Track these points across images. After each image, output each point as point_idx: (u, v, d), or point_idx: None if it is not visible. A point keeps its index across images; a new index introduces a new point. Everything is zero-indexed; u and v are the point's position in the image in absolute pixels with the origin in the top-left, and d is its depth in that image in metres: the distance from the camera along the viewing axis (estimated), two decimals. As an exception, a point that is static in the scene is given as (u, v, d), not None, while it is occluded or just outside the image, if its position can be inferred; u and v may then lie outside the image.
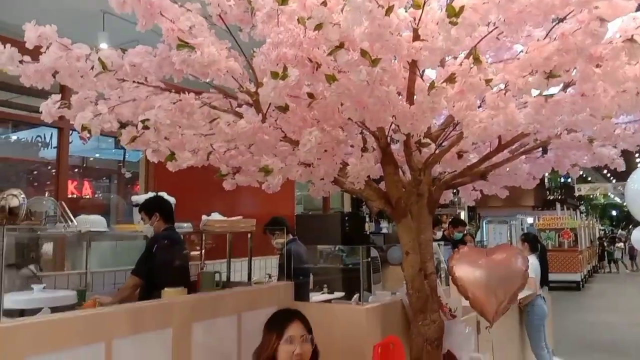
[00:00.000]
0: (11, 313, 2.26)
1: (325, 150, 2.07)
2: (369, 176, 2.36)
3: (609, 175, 27.51)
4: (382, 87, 1.67)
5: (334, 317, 2.93)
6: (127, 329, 2.11)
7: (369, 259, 4.83)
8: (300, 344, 2.17)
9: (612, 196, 29.39)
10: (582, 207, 27.35)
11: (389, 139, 2.31)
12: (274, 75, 1.63)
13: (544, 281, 5.75)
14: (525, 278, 2.79)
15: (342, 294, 4.68)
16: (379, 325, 2.92)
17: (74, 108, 1.98)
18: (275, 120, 2.04)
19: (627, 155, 2.78)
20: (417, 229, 2.57)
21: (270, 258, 5.70)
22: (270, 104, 1.92)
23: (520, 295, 5.28)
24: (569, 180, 26.59)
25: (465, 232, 7.39)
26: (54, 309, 2.50)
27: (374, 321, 2.90)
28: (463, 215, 17.72)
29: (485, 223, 16.82)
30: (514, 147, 2.66)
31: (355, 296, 3.42)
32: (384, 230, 7.70)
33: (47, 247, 4.24)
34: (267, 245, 5.24)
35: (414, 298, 2.56)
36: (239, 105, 2.18)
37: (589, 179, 28.09)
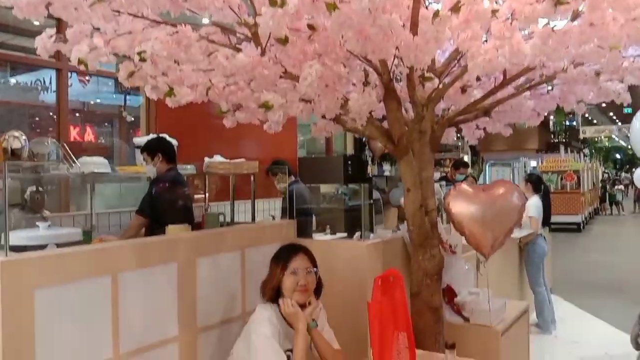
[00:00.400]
0: (17, 249, 2.30)
1: (327, 85, 2.04)
2: (371, 113, 2.33)
3: (614, 117, 27.23)
4: (385, 16, 1.61)
5: (336, 253, 2.98)
6: (133, 263, 2.15)
7: (371, 201, 4.87)
8: (304, 275, 2.23)
9: (616, 139, 29.22)
10: (586, 150, 27.30)
11: (391, 74, 2.27)
12: (272, 3, 1.58)
13: (546, 222, 5.80)
14: (521, 213, 2.81)
15: (344, 234, 4.75)
16: (380, 261, 2.97)
17: (70, 42, 1.93)
18: (275, 55, 2.00)
19: (634, 95, 2.72)
20: (418, 167, 2.57)
21: (274, 200, 5.76)
22: (269, 37, 1.87)
23: (521, 234, 5.36)
24: (574, 123, 26.39)
25: (467, 174, 7.38)
26: (60, 246, 2.54)
27: (375, 257, 2.95)
28: (466, 158, 17.70)
29: (489, 166, 16.84)
30: (519, 82, 2.61)
31: (357, 234, 3.47)
32: (386, 173, 7.71)
33: (52, 189, 4.28)
34: (270, 188, 5.28)
35: (414, 234, 2.59)
36: (238, 42, 2.13)
37: (594, 121, 27.85)
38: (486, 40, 1.95)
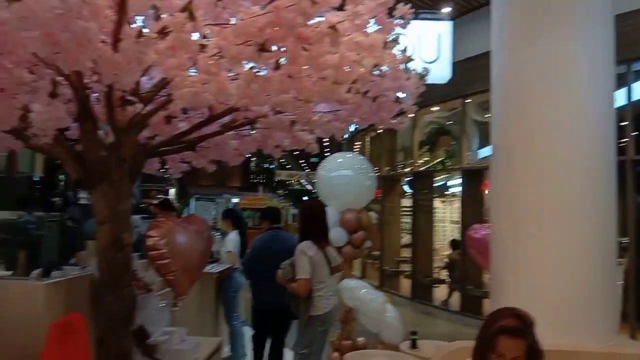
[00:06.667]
0: None
1: (2, 90, 1.67)
2: (63, 132, 2.03)
3: (304, 165, 31.26)
4: (80, 22, 1.41)
5: (6, 294, 2.47)
6: None
7: (61, 230, 4.26)
8: None
9: (305, 184, 33.36)
10: (280, 191, 30.43)
11: (89, 90, 2.02)
12: None
13: (242, 255, 6.03)
14: (210, 246, 2.88)
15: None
16: (62, 304, 2.57)
17: None
18: None
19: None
20: (115, 198, 2.34)
21: None
22: None
23: (219, 268, 5.49)
24: (272, 166, 29.20)
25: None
26: None
27: (56, 299, 2.53)
28: (174, 191, 17.65)
29: (194, 200, 17.12)
30: (224, 121, 2.65)
31: (37, 271, 2.95)
32: (84, 201, 6.97)
33: None
34: None
35: (104, 271, 2.33)
36: None
37: (288, 166, 31.43)
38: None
